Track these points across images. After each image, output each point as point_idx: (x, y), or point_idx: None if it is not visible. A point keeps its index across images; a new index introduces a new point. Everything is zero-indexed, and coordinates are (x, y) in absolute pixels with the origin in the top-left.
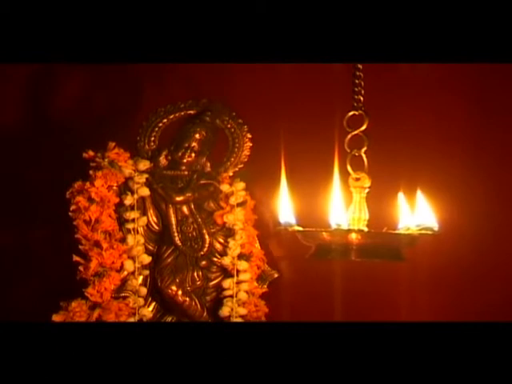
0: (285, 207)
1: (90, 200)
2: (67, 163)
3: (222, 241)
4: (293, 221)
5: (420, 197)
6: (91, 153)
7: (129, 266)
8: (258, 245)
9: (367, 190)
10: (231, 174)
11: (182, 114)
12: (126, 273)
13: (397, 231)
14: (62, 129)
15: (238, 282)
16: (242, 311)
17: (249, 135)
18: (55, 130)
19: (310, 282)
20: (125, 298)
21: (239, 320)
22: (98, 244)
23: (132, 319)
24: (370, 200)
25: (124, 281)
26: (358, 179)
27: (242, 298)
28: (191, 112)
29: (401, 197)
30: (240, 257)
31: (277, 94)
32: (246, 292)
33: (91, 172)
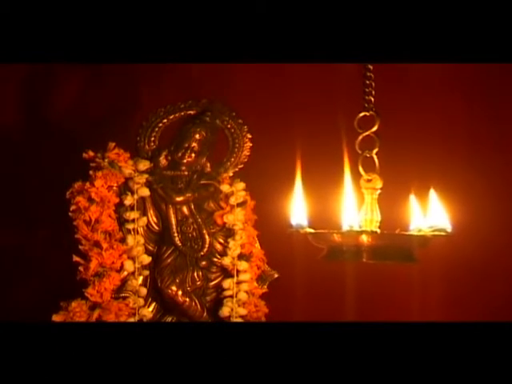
0: (297, 209)
1: (90, 200)
2: (67, 163)
3: (222, 241)
4: (305, 223)
5: (433, 197)
6: (91, 153)
7: (129, 266)
8: (258, 245)
9: (379, 192)
10: (231, 174)
11: (182, 114)
12: (125, 273)
13: (409, 232)
14: (62, 129)
15: (238, 283)
16: (242, 311)
17: (249, 135)
18: (55, 131)
19: (322, 283)
20: (125, 298)
21: (239, 320)
22: (97, 244)
23: (132, 319)
24: (381, 201)
25: (124, 281)
26: (369, 180)
27: (242, 299)
28: (191, 112)
29: (412, 199)
30: (240, 257)
31: (279, 94)
32: (246, 292)
33: (91, 172)
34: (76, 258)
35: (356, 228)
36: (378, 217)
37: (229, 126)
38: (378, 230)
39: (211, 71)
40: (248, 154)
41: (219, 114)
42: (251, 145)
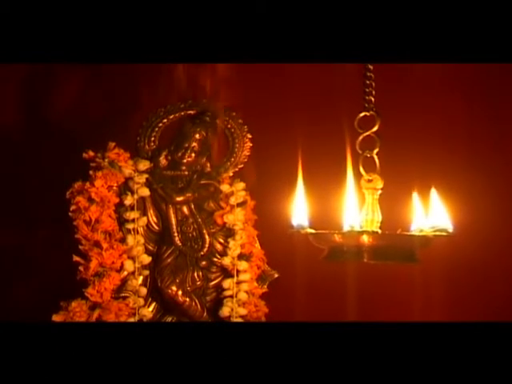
0: (298, 210)
1: (90, 200)
2: (67, 163)
3: (222, 241)
4: (305, 223)
5: (434, 197)
6: (91, 153)
7: (129, 266)
8: (258, 245)
9: (380, 192)
10: (231, 174)
11: (182, 114)
12: (126, 273)
13: (410, 233)
14: (62, 129)
15: (238, 282)
16: (242, 311)
17: (249, 135)
18: (55, 131)
19: (323, 283)
20: (125, 298)
21: (239, 320)
22: (98, 244)
23: (132, 319)
24: (382, 201)
25: (124, 281)
26: (370, 181)
27: (242, 299)
28: (191, 112)
29: (415, 197)
30: (240, 257)
31: (279, 94)
32: (246, 292)
33: (91, 172)
34: (76, 258)
35: (357, 228)
36: (378, 217)
37: (229, 125)
38: (379, 231)
39: (211, 71)
40: (248, 153)
41: (219, 114)
42: (251, 145)
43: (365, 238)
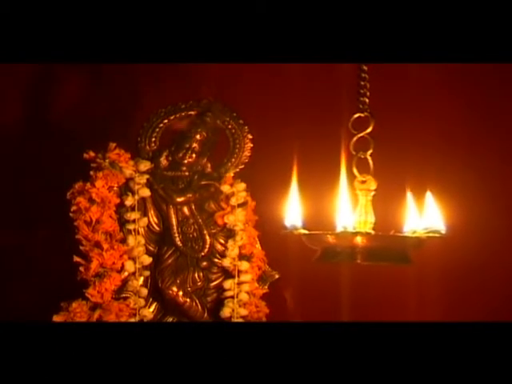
0: (292, 210)
1: (91, 201)
2: (67, 164)
3: (222, 241)
4: (299, 224)
5: (428, 199)
6: (92, 153)
7: (129, 266)
8: (258, 245)
9: (373, 193)
10: (232, 174)
11: (183, 114)
12: (126, 273)
13: (404, 234)
14: (63, 129)
15: (239, 283)
16: (243, 312)
17: (249, 136)
18: (56, 131)
19: (324, 284)
20: (125, 298)
21: (240, 321)
22: (98, 245)
23: (133, 320)
24: (376, 202)
25: (125, 281)
26: (363, 182)
27: (242, 299)
28: (192, 113)
29: (409, 198)
30: (241, 257)
31: (279, 95)
32: (247, 293)
33: (92, 173)
34: (77, 259)
35: (350, 229)
36: (372, 218)
37: (229, 126)
38: (373, 232)
39: (211, 71)
40: (249, 154)
41: (220, 114)
42: (252, 145)
43: (358, 239)
